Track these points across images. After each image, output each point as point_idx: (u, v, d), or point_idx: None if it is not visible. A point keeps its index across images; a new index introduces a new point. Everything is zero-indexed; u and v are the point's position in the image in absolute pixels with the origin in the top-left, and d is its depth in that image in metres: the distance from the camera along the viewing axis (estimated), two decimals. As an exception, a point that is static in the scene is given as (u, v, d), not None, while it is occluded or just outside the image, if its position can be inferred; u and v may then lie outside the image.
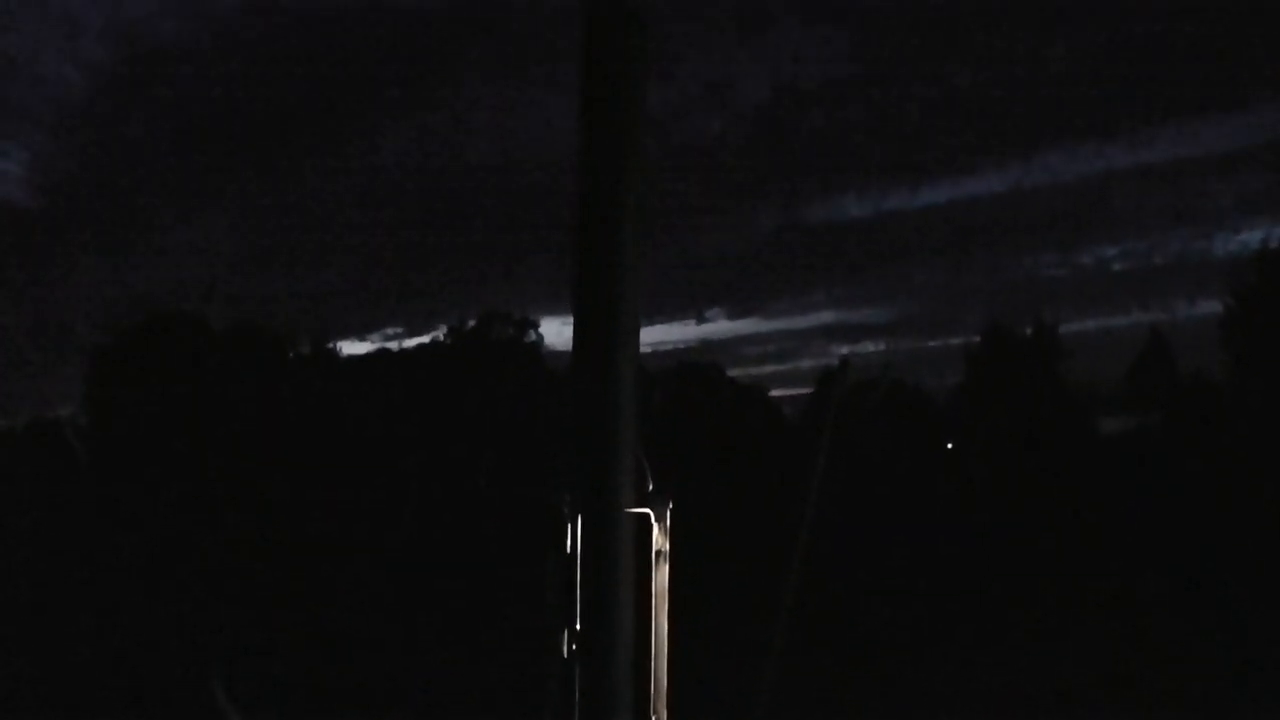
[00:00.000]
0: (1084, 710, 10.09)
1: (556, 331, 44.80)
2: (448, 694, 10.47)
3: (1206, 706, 9.91)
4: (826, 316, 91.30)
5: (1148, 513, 24.01)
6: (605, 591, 1.37)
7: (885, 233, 72.63)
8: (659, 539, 1.44)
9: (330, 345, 44.31)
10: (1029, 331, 40.13)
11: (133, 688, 10.92)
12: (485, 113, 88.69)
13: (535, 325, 44.47)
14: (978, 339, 41.36)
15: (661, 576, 1.45)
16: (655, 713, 1.45)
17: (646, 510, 1.43)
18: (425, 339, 46.06)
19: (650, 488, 1.44)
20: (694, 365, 47.91)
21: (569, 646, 1.39)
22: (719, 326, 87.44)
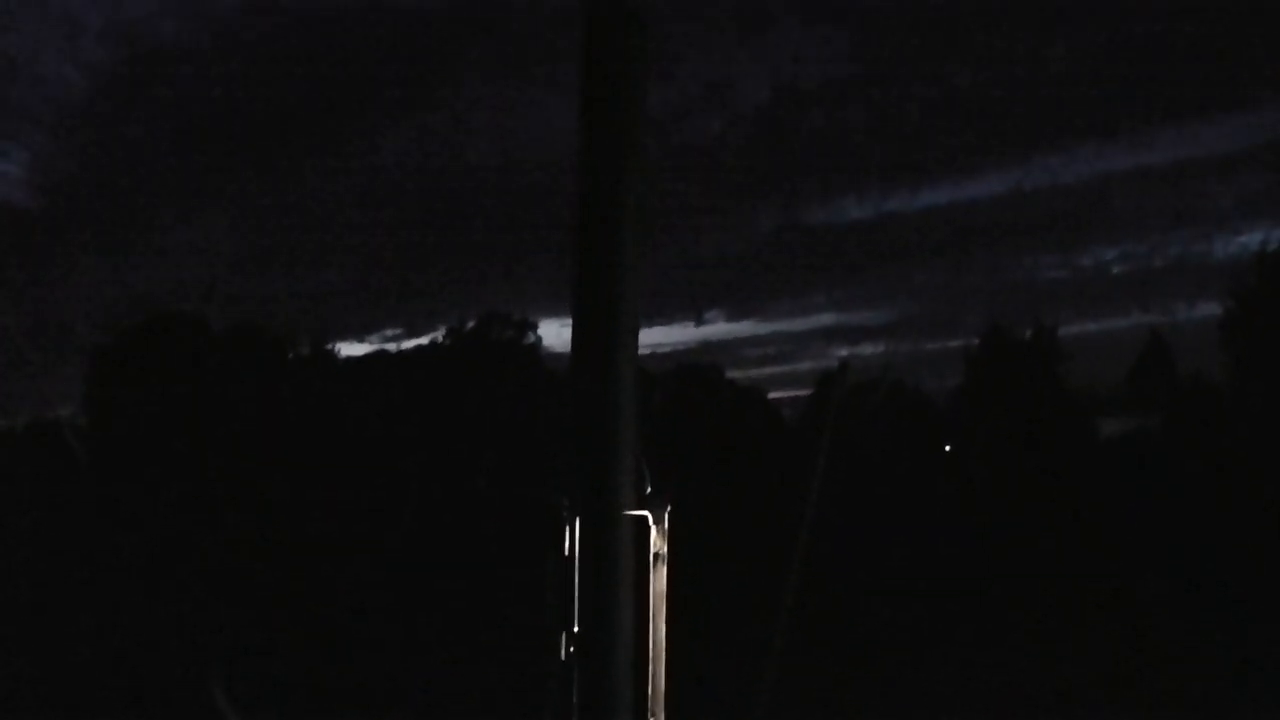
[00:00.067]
0: (1084, 711, 10.09)
1: (555, 333, 44.86)
2: (448, 694, 10.47)
3: (1206, 707, 9.91)
4: (826, 318, 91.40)
5: (1147, 514, 24.01)
6: (604, 593, 1.37)
7: (885, 234, 72.62)
8: (657, 541, 1.44)
9: (329, 346, 44.38)
10: (1029, 333, 40.14)
11: (133, 688, 10.92)
12: (485, 113, 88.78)
13: (534, 327, 44.60)
14: (977, 341, 41.38)
15: (660, 579, 1.45)
16: (654, 715, 1.45)
17: (645, 513, 1.43)
18: (424, 340, 46.12)
19: (649, 489, 1.44)
20: (693, 367, 47.92)
21: (567, 648, 1.38)
22: (718, 328, 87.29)
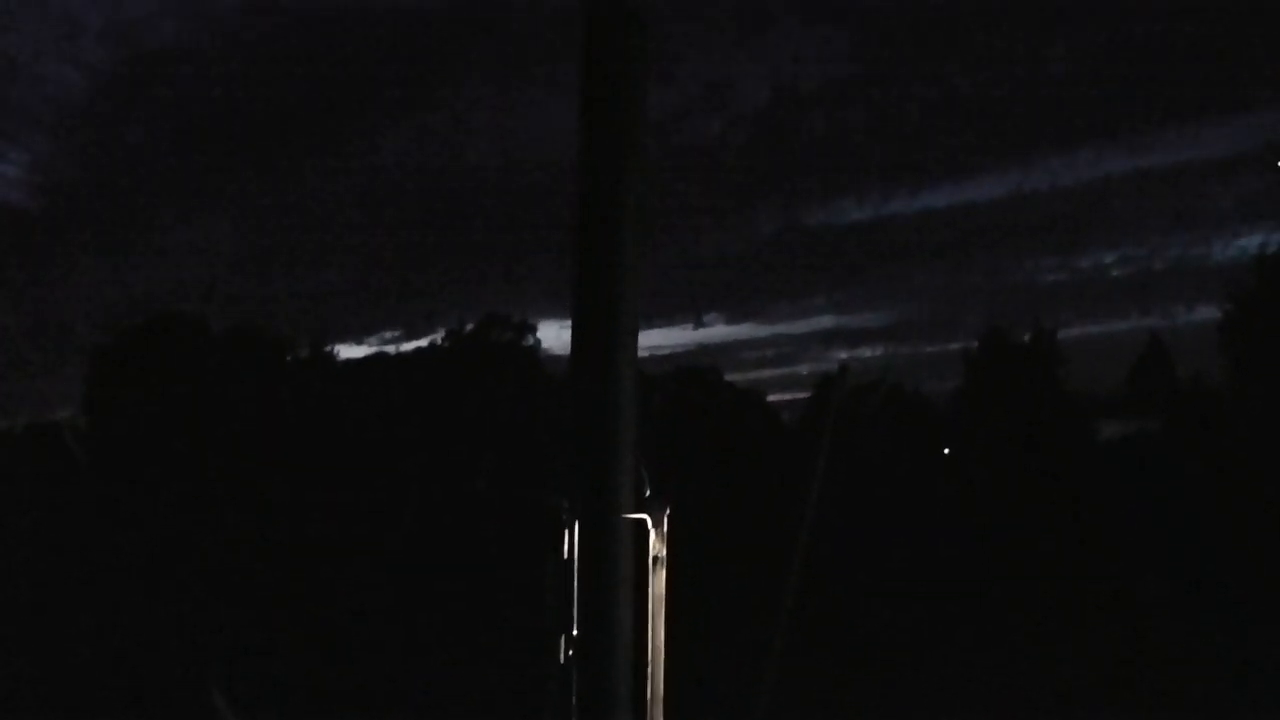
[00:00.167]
0: (1084, 711, 10.09)
1: (555, 335, 44.84)
2: (448, 695, 10.46)
3: (1206, 707, 9.91)
4: (825, 320, 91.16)
5: (1147, 516, 24.01)
6: (604, 596, 1.36)
7: (884, 236, 72.52)
8: (656, 544, 1.44)
9: (328, 349, 44.35)
10: (1028, 336, 40.09)
11: (133, 688, 10.91)
12: (485, 113, 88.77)
13: (534, 329, 44.60)
14: (977, 343, 41.34)
15: (659, 582, 1.45)
16: (652, 716, 1.45)
17: (644, 516, 1.42)
18: (423, 342, 46.06)
19: (648, 492, 1.44)
20: (692, 370, 47.83)
21: (566, 650, 1.38)
22: (717, 331, 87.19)
